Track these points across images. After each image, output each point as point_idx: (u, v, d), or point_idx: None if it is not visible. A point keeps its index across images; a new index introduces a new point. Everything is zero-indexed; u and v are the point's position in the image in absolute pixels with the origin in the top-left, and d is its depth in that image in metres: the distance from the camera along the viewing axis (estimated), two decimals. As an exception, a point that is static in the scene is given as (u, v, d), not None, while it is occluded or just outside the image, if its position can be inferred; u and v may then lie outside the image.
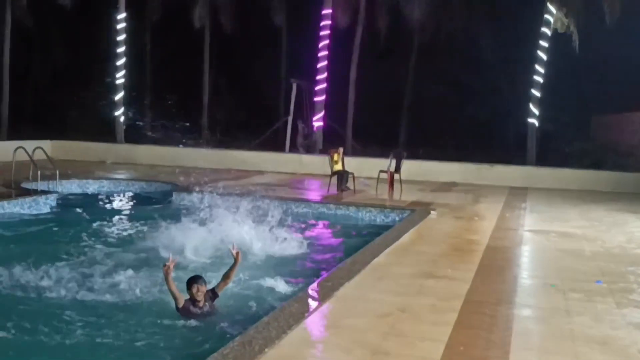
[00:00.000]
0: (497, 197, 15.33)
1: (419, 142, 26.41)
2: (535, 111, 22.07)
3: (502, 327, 5.46)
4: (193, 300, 6.08)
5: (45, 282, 7.10)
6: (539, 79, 21.76)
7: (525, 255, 8.92)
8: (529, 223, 11.62)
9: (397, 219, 11.82)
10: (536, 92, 21.86)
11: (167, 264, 6.06)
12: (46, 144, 18.09)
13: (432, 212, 11.99)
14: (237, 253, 6.52)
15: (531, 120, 22.23)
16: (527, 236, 10.24)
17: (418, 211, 12.03)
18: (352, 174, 15.40)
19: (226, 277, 6.46)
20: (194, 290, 6.05)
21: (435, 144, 25.81)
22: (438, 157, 20.55)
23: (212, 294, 6.25)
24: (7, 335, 5.53)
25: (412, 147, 24.04)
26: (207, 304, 6.13)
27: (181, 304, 6.05)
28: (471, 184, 18.25)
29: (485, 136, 27.66)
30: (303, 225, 11.69)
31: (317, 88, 24.07)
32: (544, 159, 21.67)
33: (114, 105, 24.41)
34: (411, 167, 17.05)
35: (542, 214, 12.99)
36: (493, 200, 14.85)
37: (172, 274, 6.12)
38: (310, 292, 6.24)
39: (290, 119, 24.51)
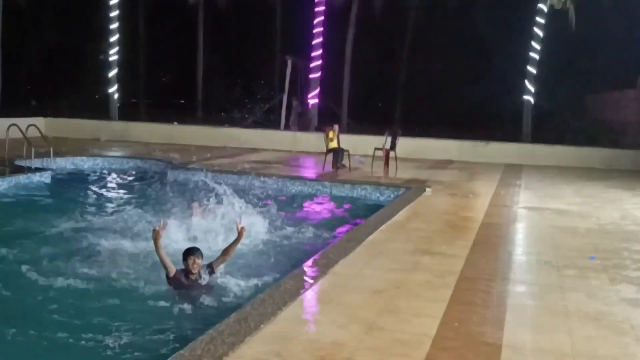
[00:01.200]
0: (492, 175, 15.35)
1: (415, 120, 26.38)
2: (531, 88, 22.02)
3: (497, 303, 5.49)
4: (186, 272, 5.97)
5: (38, 259, 7.09)
6: (535, 55, 21.68)
7: (520, 232, 8.96)
8: (524, 200, 11.65)
9: (392, 196, 11.82)
10: (532, 69, 21.79)
11: (157, 228, 5.90)
12: (40, 122, 17.98)
13: (427, 189, 12.00)
14: (242, 229, 6.38)
15: (527, 97, 22.19)
16: (521, 213, 10.27)
17: (413, 189, 12.04)
18: (348, 151, 15.38)
19: (225, 253, 6.37)
20: (190, 262, 5.94)
21: (431, 122, 25.77)
22: (433, 135, 20.54)
23: (209, 268, 6.13)
24: None
25: (407, 124, 24.03)
26: (202, 277, 6.02)
27: (172, 273, 5.94)
28: (466, 162, 18.26)
29: (480, 113, 27.62)
30: (298, 203, 11.71)
31: (312, 65, 23.92)
32: (539, 137, 21.68)
33: (108, 83, 24.22)
34: (406, 145, 17.03)
35: (537, 191, 13.03)
36: (488, 177, 14.87)
37: (163, 239, 6.00)
38: (305, 269, 6.25)
39: (285, 96, 24.40)
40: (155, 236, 5.88)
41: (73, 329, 5.10)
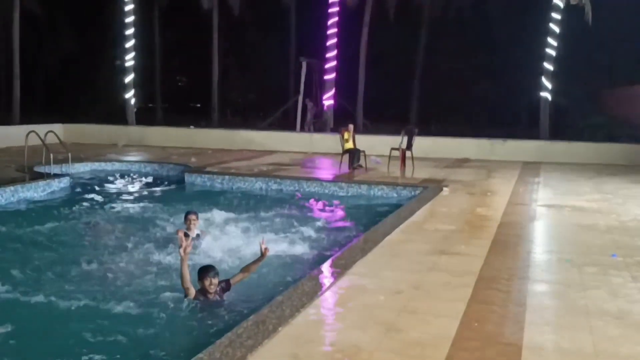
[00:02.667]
0: (510, 172, 15.23)
1: (431, 119, 26.28)
2: (548, 85, 21.81)
3: (517, 303, 5.44)
4: (204, 292, 5.81)
5: (57, 264, 7.15)
6: (551, 52, 21.47)
7: (539, 230, 8.87)
8: (543, 198, 11.54)
9: (409, 196, 11.78)
10: (549, 66, 21.58)
11: (183, 245, 5.69)
12: (58, 128, 18.17)
13: (444, 188, 11.93)
14: (266, 249, 6.18)
15: (544, 94, 21.99)
16: (540, 211, 10.17)
17: (430, 188, 11.98)
18: (364, 151, 15.35)
19: (245, 270, 6.23)
20: (207, 282, 5.77)
21: (448, 120, 25.66)
22: (450, 134, 20.43)
23: (225, 284, 5.98)
24: (20, 315, 5.58)
25: (423, 123, 23.95)
26: (217, 295, 5.87)
27: (191, 295, 5.78)
28: (484, 160, 18.14)
29: (497, 111, 27.45)
30: (315, 204, 11.71)
31: (327, 66, 23.91)
32: (557, 133, 21.48)
33: (125, 88, 24.41)
34: (423, 144, 16.95)
35: (555, 188, 12.90)
36: (506, 175, 14.75)
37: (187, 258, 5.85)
38: (323, 270, 6.24)
39: (300, 98, 24.42)
40: (183, 254, 5.69)
41: (91, 334, 5.14)
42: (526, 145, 19.35)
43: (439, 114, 28.00)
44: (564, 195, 11.90)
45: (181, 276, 5.81)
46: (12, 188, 11.30)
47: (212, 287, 5.79)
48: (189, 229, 8.13)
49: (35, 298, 6.01)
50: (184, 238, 5.91)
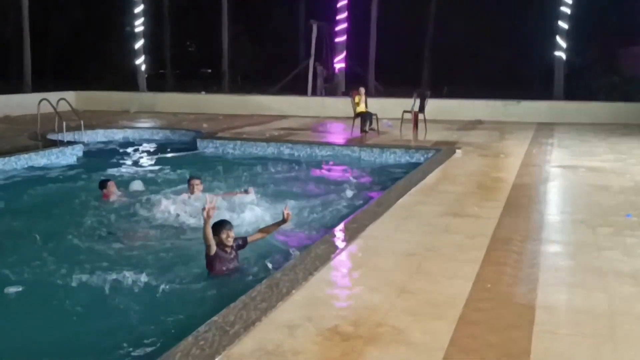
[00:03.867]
0: (524, 134, 15.10)
1: (443, 81, 25.98)
2: (562, 44, 21.45)
3: (530, 264, 5.43)
4: (222, 246, 5.82)
5: (73, 231, 7.22)
6: (566, 10, 21.05)
7: (553, 192, 8.81)
8: (557, 159, 11.45)
9: (422, 159, 11.73)
10: (563, 24, 21.18)
11: (207, 206, 5.65)
12: (69, 95, 18.16)
13: (457, 151, 11.86)
14: (288, 215, 6.10)
15: (558, 53, 21.64)
16: (554, 172, 10.10)
17: (443, 150, 11.91)
18: (376, 115, 15.25)
19: (264, 230, 6.23)
20: (224, 236, 5.77)
21: (460, 82, 25.35)
22: (463, 95, 20.22)
23: (242, 241, 5.99)
24: (37, 283, 5.66)
25: (436, 86, 23.70)
26: (234, 250, 5.90)
27: (213, 251, 5.78)
28: (497, 122, 17.97)
29: (511, 71, 27.10)
30: (327, 169, 11.70)
31: (337, 29, 23.63)
32: (571, 93, 21.19)
33: (135, 54, 24.30)
34: (435, 106, 16.81)
35: (569, 149, 12.78)
36: (519, 136, 14.63)
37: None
38: (335, 233, 6.25)
39: (311, 61, 24.20)
40: (207, 215, 5.64)
41: (106, 300, 5.22)
42: (540, 106, 19.14)
43: (451, 75, 27.66)
44: (578, 156, 11.80)
45: (204, 234, 5.78)
46: (26, 156, 11.37)
47: (229, 239, 5.79)
48: (192, 193, 8.16)
49: (50, 266, 6.07)
50: (209, 200, 5.89)
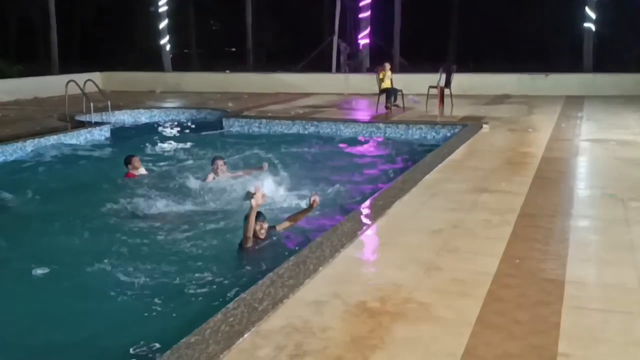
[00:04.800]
0: (553, 108, 14.85)
1: (470, 55, 25.61)
2: (592, 15, 20.95)
3: (559, 239, 5.37)
4: (255, 237, 5.82)
5: (100, 211, 7.33)
6: (595, -20, 20.53)
7: (582, 166, 8.69)
8: (586, 132, 11.26)
9: (448, 134, 11.62)
10: (593, -5, 20.68)
11: (256, 194, 5.65)
12: (96, 77, 18.33)
13: (484, 126, 11.73)
14: (314, 202, 6.12)
15: (587, 24, 21.15)
16: (583, 146, 9.94)
17: (470, 126, 11.79)
18: (401, 91, 15.13)
19: (292, 219, 6.24)
20: (257, 227, 5.79)
21: (487, 56, 24.98)
22: (490, 69, 19.92)
23: (271, 230, 6.00)
24: (64, 263, 5.76)
25: (462, 60, 23.37)
26: (265, 242, 5.88)
27: (250, 242, 5.79)
28: (525, 95, 17.69)
29: (538, 44, 26.59)
30: (352, 146, 11.67)
31: (361, 4, 23.36)
32: (601, 66, 20.74)
33: (159, 34, 24.36)
34: (462, 81, 16.60)
35: (599, 122, 12.55)
36: (548, 110, 14.40)
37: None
38: (362, 211, 6.25)
39: (335, 38, 24.01)
40: (257, 202, 5.64)
41: (134, 278, 5.29)
42: (569, 79, 18.78)
43: (477, 49, 27.25)
44: (608, 129, 11.59)
45: (248, 226, 5.76)
46: (55, 137, 11.54)
47: (262, 231, 5.81)
48: (216, 174, 8.23)
49: (76, 246, 6.17)
50: (260, 191, 5.90)
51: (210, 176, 8.33)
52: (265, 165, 8.61)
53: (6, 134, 11.53)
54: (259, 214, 5.88)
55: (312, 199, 6.14)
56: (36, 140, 11.12)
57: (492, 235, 5.45)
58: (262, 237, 5.83)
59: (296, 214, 6.37)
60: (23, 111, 15.50)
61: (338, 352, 3.38)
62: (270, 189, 7.67)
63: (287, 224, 6.23)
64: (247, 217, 5.80)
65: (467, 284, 4.37)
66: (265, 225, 5.87)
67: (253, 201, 5.67)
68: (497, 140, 10.54)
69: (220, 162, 8.42)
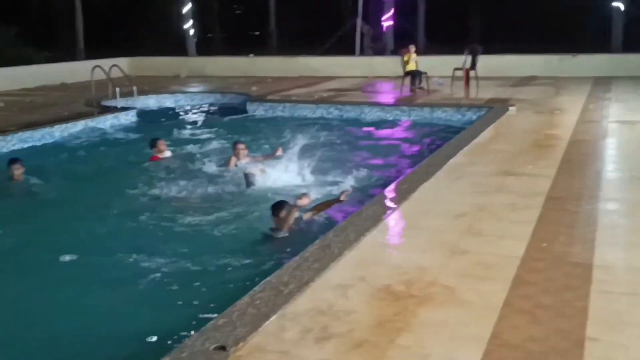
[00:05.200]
0: (580, 89, 14.61)
1: (495, 36, 25.21)
2: (621, -7, 20.50)
3: (586, 223, 5.32)
4: (282, 225, 5.80)
5: (127, 196, 7.43)
6: (625, -43, 20.06)
7: (611, 148, 8.55)
8: (615, 114, 11.06)
9: (473, 117, 11.51)
10: (622, -28, 20.22)
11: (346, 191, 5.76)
12: (121, 61, 18.44)
13: (510, 108, 11.59)
14: (344, 194, 6.06)
15: (616, 3, 20.70)
16: (612, 128, 9.78)
17: (496, 108, 11.66)
18: (426, 73, 15.01)
19: (318, 208, 6.20)
20: (283, 215, 5.79)
21: (513, 37, 24.57)
22: (516, 51, 19.63)
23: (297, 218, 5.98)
24: (89, 248, 5.85)
25: (488, 41, 23.02)
26: (293, 227, 5.89)
27: (281, 234, 5.77)
28: (552, 77, 17.42)
29: (566, 24, 26.09)
30: (376, 129, 11.62)
31: (385, -15, 23.14)
32: (631, 45, 20.29)
33: (183, 19, 24.42)
34: (487, 63, 16.38)
35: (628, 103, 12.33)
36: (575, 92, 14.17)
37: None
38: (386, 194, 6.24)
39: (358, 20, 23.82)
40: (341, 199, 5.75)
41: (159, 263, 5.34)
42: (597, 60, 18.42)
43: (503, 30, 26.83)
44: (637, 111, 11.38)
45: (286, 219, 5.76)
46: (82, 122, 11.69)
47: (289, 219, 5.81)
48: (238, 158, 8.27)
49: (102, 232, 6.26)
50: (309, 197, 5.97)
51: (233, 160, 8.38)
52: (280, 150, 8.61)
53: (34, 120, 11.70)
54: (285, 203, 5.89)
55: (343, 192, 6.08)
56: (63, 125, 11.27)
57: (518, 219, 5.41)
58: (289, 224, 5.81)
59: (322, 204, 6.33)
60: (50, 97, 15.70)
61: (364, 335, 3.40)
62: (292, 174, 7.70)
63: (312, 213, 6.20)
64: (277, 207, 5.82)
65: (493, 267, 4.35)
66: (293, 214, 5.84)
67: (300, 201, 5.75)
68: (523, 123, 10.42)
69: (241, 147, 8.46)
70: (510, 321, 3.56)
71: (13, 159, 8.27)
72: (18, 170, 8.01)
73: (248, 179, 7.46)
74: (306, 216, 6.15)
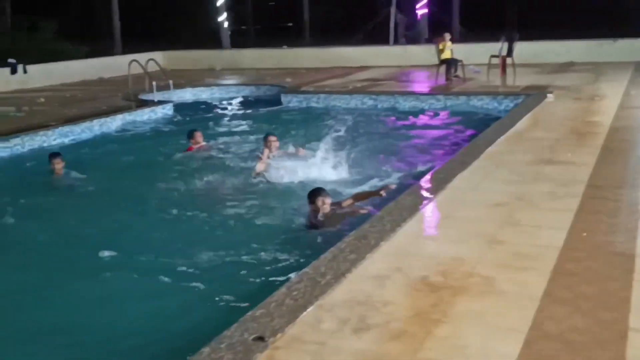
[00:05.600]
0: (621, 75, 14.27)
1: (532, 22, 24.76)
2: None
3: (628, 211, 5.20)
4: (318, 213, 5.79)
5: (169, 186, 7.54)
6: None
7: (653, 135, 8.35)
8: (657, 100, 10.80)
9: (510, 105, 11.35)
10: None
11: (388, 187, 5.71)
12: (157, 55, 18.66)
13: (548, 95, 11.40)
14: (385, 189, 5.98)
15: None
16: (655, 114, 9.55)
17: (533, 95, 11.48)
18: (461, 61, 14.84)
19: (357, 197, 6.15)
20: (319, 203, 5.74)
21: (550, 22, 24.09)
22: (553, 37, 19.26)
23: (336, 207, 5.95)
24: (128, 243, 5.91)
25: (524, 27, 22.64)
26: (329, 217, 5.83)
27: (315, 218, 5.75)
28: (591, 62, 17.06)
29: (606, 8, 25.46)
30: (412, 119, 11.55)
31: (419, -27, 22.92)
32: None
33: (217, 11, 24.57)
34: (524, 49, 16.12)
35: (672, 89, 12.01)
36: (616, 77, 13.85)
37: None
38: (422, 184, 6.19)
39: (392, 9, 23.65)
40: (381, 194, 5.73)
41: (199, 254, 5.40)
42: (639, 44, 17.96)
43: (540, 15, 26.33)
44: (682, 96, 11.08)
45: (351, 208, 5.80)
46: (120, 116, 11.88)
47: (325, 207, 5.77)
48: (270, 151, 8.31)
49: (144, 224, 6.35)
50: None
51: (266, 152, 8.43)
52: (302, 150, 8.57)
53: (74, 114, 11.93)
54: (320, 190, 5.88)
55: (385, 186, 5.99)
56: (102, 119, 11.47)
57: (558, 208, 5.32)
58: (325, 211, 5.81)
59: (362, 193, 6.26)
60: (89, 91, 15.98)
61: (401, 326, 3.40)
62: (326, 166, 7.70)
63: (351, 201, 6.17)
64: (313, 194, 5.80)
65: (532, 257, 4.29)
66: (328, 200, 5.83)
67: (383, 192, 5.71)
68: (561, 110, 10.23)
69: (272, 139, 8.50)
70: (551, 312, 3.51)
71: (53, 153, 8.45)
72: (59, 165, 8.17)
73: (260, 177, 7.53)
74: (345, 203, 6.09)
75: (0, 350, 4.01)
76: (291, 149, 8.80)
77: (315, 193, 5.84)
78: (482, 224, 5.00)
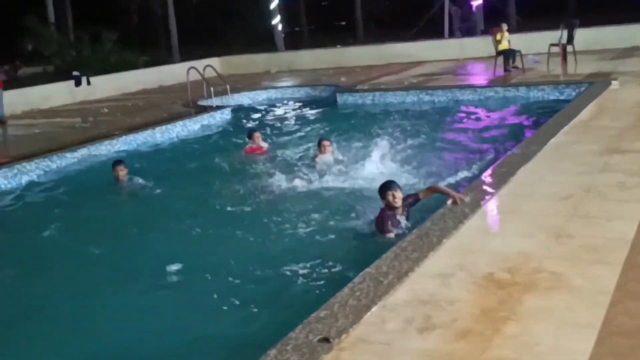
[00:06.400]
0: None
1: (592, 7, 24.00)
2: None
3: None
4: (390, 207, 5.58)
5: (229, 191, 7.65)
6: None
7: None
8: None
9: (573, 94, 11.02)
10: None
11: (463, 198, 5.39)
12: (214, 61, 18.98)
13: (613, 82, 11.00)
14: (460, 198, 5.44)
15: None
16: None
17: (597, 83, 11.11)
18: (519, 51, 14.50)
19: (433, 189, 5.93)
20: (390, 197, 5.49)
21: (611, 6, 23.28)
22: (616, 21, 18.57)
23: (413, 200, 5.74)
24: (194, 255, 5.92)
25: (584, 13, 21.95)
26: (405, 211, 5.65)
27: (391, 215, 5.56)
28: (658, 45, 16.38)
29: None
30: (471, 112, 11.36)
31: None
32: None
33: (271, 14, 24.79)
34: (585, 36, 15.61)
35: None
36: (685, 60, 13.27)
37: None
38: (484, 179, 6.08)
39: (446, 2, 23.33)
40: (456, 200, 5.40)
41: (262, 259, 5.44)
42: None
43: (601, 0, 25.47)
44: None
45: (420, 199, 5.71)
46: (180, 123, 12.13)
47: (397, 200, 5.54)
48: (323, 153, 8.32)
49: (208, 230, 6.43)
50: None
51: (319, 156, 8.45)
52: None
53: (137, 123, 12.26)
54: (390, 184, 5.66)
55: (460, 197, 5.46)
56: (164, 127, 11.73)
57: (627, 199, 5.13)
58: (397, 205, 5.57)
59: (437, 188, 6.00)
60: (150, 100, 16.39)
61: (468, 325, 3.34)
62: (385, 164, 7.66)
63: (429, 193, 5.88)
64: (384, 188, 5.64)
65: (602, 251, 4.15)
66: (398, 194, 5.56)
67: (458, 199, 5.38)
68: (628, 97, 9.86)
69: (326, 143, 8.51)
70: (624, 306, 3.39)
71: (117, 160, 8.67)
72: (122, 172, 8.38)
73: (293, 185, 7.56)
74: (423, 195, 5.84)
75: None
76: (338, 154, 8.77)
77: (385, 188, 5.62)
78: (549, 218, 4.87)
